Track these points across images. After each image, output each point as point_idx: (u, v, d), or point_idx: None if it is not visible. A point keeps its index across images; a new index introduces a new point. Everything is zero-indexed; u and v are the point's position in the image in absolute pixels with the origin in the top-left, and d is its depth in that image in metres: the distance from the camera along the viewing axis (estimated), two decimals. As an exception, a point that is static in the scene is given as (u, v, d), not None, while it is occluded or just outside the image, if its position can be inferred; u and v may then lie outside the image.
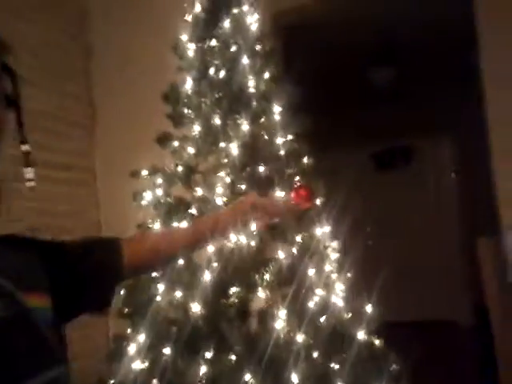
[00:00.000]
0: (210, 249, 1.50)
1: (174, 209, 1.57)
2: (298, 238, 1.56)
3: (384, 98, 4.33)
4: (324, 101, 3.43)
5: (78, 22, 2.80)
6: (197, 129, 1.57)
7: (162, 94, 1.68)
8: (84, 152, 2.72)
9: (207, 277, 1.44)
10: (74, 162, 2.67)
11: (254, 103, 1.58)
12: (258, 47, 1.67)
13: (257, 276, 1.42)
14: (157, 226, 1.58)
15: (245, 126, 1.51)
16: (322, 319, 1.48)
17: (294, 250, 1.55)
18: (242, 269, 1.45)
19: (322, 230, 1.62)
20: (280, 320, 1.40)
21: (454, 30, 2.87)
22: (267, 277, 1.42)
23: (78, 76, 2.73)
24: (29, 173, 0.63)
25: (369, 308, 1.54)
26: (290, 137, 1.62)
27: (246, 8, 1.70)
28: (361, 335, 1.49)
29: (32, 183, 0.64)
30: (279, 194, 1.54)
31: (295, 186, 1.56)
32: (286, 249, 1.51)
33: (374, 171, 5.67)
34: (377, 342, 1.53)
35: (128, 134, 2.54)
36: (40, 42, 2.51)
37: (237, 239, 1.47)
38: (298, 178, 1.58)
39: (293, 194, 1.54)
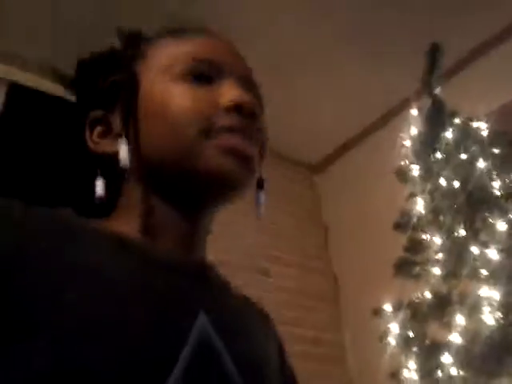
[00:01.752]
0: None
1: (428, 350, 1.24)
2: None
3: None
4: None
5: (315, 207, 3.07)
6: (440, 247, 1.33)
7: (393, 223, 1.55)
8: (330, 325, 2.63)
9: None
10: (322, 336, 2.57)
11: (504, 204, 1.29)
12: (493, 150, 1.46)
13: None
14: (410, 374, 1.25)
15: (501, 226, 1.21)
16: None
17: None
18: None
19: None
20: None
21: None
22: None
23: (318, 251, 2.86)
24: (261, 197, 0.54)
25: None
26: None
27: (470, 116, 1.58)
28: None
29: (262, 209, 0.53)
30: None
31: None
32: None
33: None
34: None
35: (371, 299, 2.37)
36: (282, 226, 2.80)
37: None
38: None
39: None
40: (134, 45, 0.54)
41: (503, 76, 2.03)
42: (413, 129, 1.60)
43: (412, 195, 1.53)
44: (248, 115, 0.47)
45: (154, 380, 0.35)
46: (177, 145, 0.46)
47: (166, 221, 0.48)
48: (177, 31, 0.54)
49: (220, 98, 0.47)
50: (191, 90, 0.47)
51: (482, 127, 1.50)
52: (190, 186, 0.47)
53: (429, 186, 1.46)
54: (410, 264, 1.41)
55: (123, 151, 0.46)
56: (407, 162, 1.58)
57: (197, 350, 0.38)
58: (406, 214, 1.50)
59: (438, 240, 1.33)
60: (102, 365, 0.33)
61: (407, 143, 1.60)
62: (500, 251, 1.18)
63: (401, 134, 1.63)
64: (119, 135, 0.48)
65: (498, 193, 1.33)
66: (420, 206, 1.49)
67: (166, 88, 0.48)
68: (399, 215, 1.51)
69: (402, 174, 1.56)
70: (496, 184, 1.34)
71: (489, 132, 1.48)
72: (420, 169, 1.52)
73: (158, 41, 0.53)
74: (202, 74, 0.48)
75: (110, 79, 0.51)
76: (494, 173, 1.35)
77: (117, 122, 0.50)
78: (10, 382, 0.31)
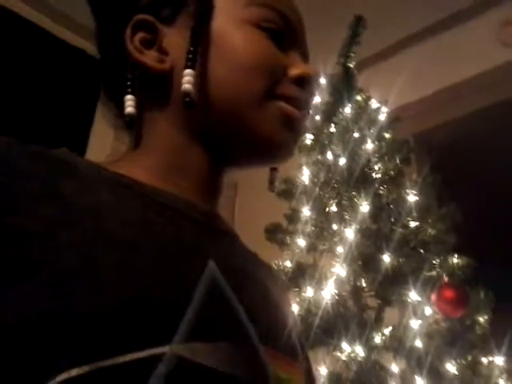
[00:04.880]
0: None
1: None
2: (450, 367, 1.05)
3: None
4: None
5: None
6: (309, 217, 1.32)
7: (278, 191, 1.52)
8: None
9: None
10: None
11: (379, 187, 1.29)
12: (386, 135, 1.46)
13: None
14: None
15: (364, 207, 1.21)
16: None
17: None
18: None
19: (490, 360, 1.07)
20: None
21: None
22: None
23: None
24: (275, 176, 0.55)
25: None
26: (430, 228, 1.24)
27: (374, 103, 1.56)
28: None
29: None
30: (414, 295, 1.11)
31: (439, 285, 1.12)
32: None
33: None
34: None
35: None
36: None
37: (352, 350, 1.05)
38: (444, 277, 1.14)
39: (434, 297, 1.10)
40: None
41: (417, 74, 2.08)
42: (317, 97, 1.56)
43: (301, 164, 1.51)
44: (310, 93, 0.48)
45: (165, 324, 0.31)
46: (239, 94, 0.43)
47: (189, 166, 0.45)
48: None
49: (289, 68, 0.46)
50: (270, 48, 0.45)
51: (382, 110, 1.49)
52: (235, 139, 0.45)
53: (316, 158, 1.44)
54: (280, 231, 1.40)
55: (190, 77, 0.41)
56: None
57: (207, 297, 0.35)
58: (290, 183, 1.48)
59: (307, 212, 1.32)
60: (104, 309, 0.29)
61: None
62: (357, 232, 1.18)
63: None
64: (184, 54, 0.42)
65: (375, 176, 1.33)
66: (306, 176, 1.47)
67: (246, 31, 0.44)
68: (283, 183, 1.48)
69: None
70: (377, 167, 1.34)
71: (386, 116, 1.47)
72: (313, 139, 1.48)
73: None
74: (280, 38, 0.46)
75: None
76: (377, 155, 1.35)
77: (172, 37, 0.44)
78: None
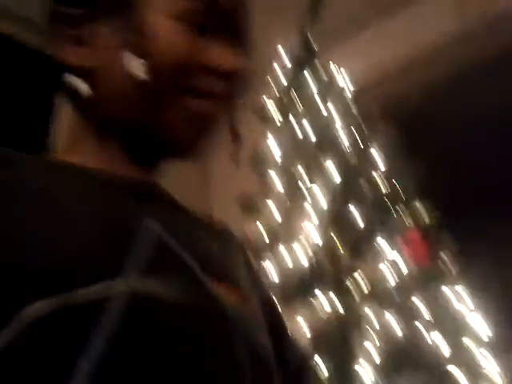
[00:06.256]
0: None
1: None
2: (419, 304, 1.09)
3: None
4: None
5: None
6: (278, 181, 1.35)
7: (250, 161, 1.54)
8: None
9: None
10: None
11: (344, 143, 1.33)
12: (346, 96, 1.49)
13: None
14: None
15: (329, 163, 1.24)
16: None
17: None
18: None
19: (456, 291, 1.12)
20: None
21: None
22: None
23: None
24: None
25: None
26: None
27: (333, 69, 1.59)
28: None
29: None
30: (383, 244, 1.16)
31: (407, 234, 1.17)
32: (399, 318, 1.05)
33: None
34: None
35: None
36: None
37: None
38: (410, 224, 1.19)
39: (402, 242, 1.15)
40: None
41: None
42: (278, 68, 1.58)
43: (267, 133, 1.53)
44: (232, 84, 0.45)
45: (115, 267, 0.34)
46: (150, 89, 0.42)
47: (117, 163, 0.46)
48: None
49: (208, 55, 0.44)
50: (186, 40, 0.43)
51: (347, 85, 1.51)
52: (145, 138, 0.45)
53: (282, 124, 1.46)
54: (252, 198, 1.42)
55: (137, 64, 0.41)
56: (270, 101, 1.56)
57: (151, 246, 0.37)
58: (258, 152, 1.50)
59: (276, 178, 1.35)
60: (59, 261, 0.33)
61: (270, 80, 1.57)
62: (326, 188, 1.22)
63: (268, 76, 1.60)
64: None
65: (340, 133, 1.36)
66: (273, 144, 1.49)
67: (164, 24, 0.42)
68: (253, 154, 1.50)
69: (262, 114, 1.54)
70: (338, 125, 1.37)
71: (352, 91, 1.50)
72: (277, 108, 1.51)
73: None
74: (205, 27, 0.44)
75: None
76: (342, 125, 1.38)
77: (95, 33, 0.44)
78: None
